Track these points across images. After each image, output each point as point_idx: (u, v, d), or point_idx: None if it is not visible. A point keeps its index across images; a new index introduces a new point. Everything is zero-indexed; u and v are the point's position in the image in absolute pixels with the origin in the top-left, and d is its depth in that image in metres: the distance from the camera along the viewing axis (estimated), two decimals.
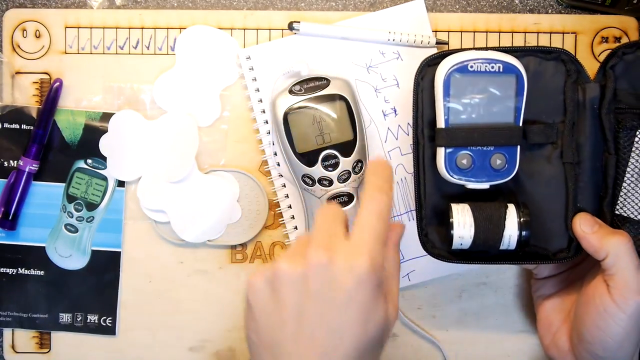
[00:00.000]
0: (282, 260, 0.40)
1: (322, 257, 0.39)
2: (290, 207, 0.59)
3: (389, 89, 0.59)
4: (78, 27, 0.60)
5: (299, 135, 0.55)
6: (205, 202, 0.59)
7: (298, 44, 0.59)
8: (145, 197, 0.59)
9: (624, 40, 0.59)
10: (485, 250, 0.48)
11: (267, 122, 0.58)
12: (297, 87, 0.55)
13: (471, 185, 0.49)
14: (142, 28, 0.60)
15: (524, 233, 0.47)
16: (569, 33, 0.59)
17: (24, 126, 0.59)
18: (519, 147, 0.48)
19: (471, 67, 0.47)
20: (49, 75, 0.60)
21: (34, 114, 0.59)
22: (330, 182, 0.55)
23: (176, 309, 0.60)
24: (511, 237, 0.47)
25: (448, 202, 0.49)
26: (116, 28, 0.59)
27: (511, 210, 0.48)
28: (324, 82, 0.55)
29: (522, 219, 0.47)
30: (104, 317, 0.60)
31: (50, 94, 0.58)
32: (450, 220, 0.48)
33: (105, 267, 0.60)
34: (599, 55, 0.59)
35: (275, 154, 0.58)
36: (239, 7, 0.61)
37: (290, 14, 0.59)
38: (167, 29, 0.60)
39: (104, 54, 0.60)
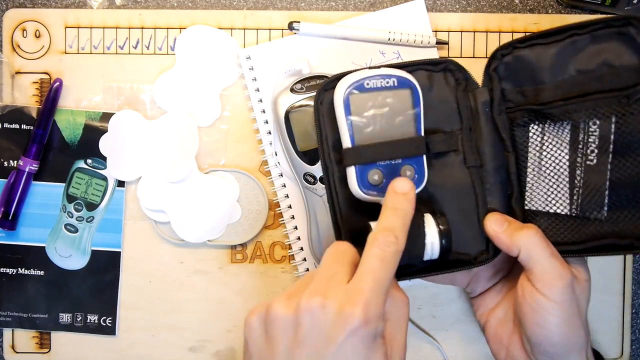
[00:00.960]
0: (277, 301, 0.39)
1: (314, 303, 0.38)
2: (290, 207, 0.59)
3: None
4: (78, 27, 0.60)
5: (301, 134, 0.55)
6: (205, 202, 0.59)
7: (298, 44, 0.59)
8: (145, 197, 0.59)
9: None
10: (411, 263, 0.47)
11: (267, 122, 0.58)
12: (299, 86, 0.55)
13: None
14: (142, 28, 0.60)
15: (444, 241, 0.47)
16: None
17: (24, 126, 0.59)
18: (424, 156, 0.48)
19: (367, 84, 0.47)
20: (49, 75, 0.60)
21: (34, 114, 0.59)
22: None
23: (176, 309, 0.60)
24: (433, 245, 0.47)
25: (366, 221, 0.47)
26: (116, 28, 0.59)
27: (429, 219, 0.47)
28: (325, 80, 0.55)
29: (441, 227, 0.47)
30: (104, 317, 0.60)
31: (50, 94, 0.58)
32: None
33: (105, 267, 0.60)
34: None
35: (276, 154, 0.58)
36: (239, 7, 0.61)
37: (290, 14, 0.59)
38: (167, 29, 0.60)
39: (104, 54, 0.60)
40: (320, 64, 0.58)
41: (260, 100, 0.58)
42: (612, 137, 0.46)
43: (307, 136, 0.55)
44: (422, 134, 0.48)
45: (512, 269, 0.53)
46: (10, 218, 0.59)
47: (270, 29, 0.59)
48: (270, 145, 0.58)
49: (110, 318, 0.60)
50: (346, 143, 0.47)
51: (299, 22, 0.58)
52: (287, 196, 0.59)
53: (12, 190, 0.58)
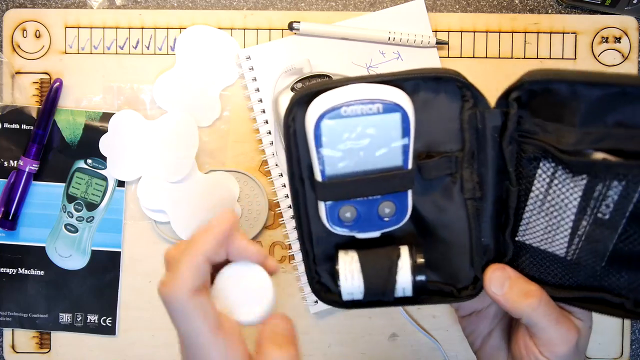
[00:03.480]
0: None
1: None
2: (290, 207, 0.59)
3: None
4: (78, 27, 0.60)
5: None
6: (205, 202, 0.59)
7: (298, 44, 0.59)
8: (145, 197, 0.59)
9: (624, 40, 0.59)
10: (383, 300, 0.43)
11: (267, 122, 0.58)
12: (300, 85, 0.55)
13: (360, 235, 0.43)
14: (142, 28, 0.60)
15: (417, 278, 0.42)
16: (569, 33, 0.59)
17: (24, 126, 0.59)
18: (410, 191, 0.42)
19: (345, 111, 0.39)
20: (49, 75, 0.60)
21: (34, 114, 0.59)
22: None
23: None
24: (405, 284, 0.42)
25: (337, 247, 0.44)
26: (116, 28, 0.60)
27: (404, 254, 0.42)
28: (325, 79, 0.55)
29: (416, 262, 0.42)
30: (104, 317, 0.60)
31: (50, 94, 0.58)
32: (337, 267, 0.42)
33: (105, 267, 0.60)
34: (599, 55, 0.59)
35: (276, 154, 0.58)
36: (239, 7, 0.61)
37: (290, 14, 0.59)
38: (167, 29, 0.60)
39: (104, 54, 0.60)
40: (321, 64, 0.58)
41: (260, 100, 0.58)
42: (633, 202, 0.39)
43: None
44: (410, 166, 0.41)
45: None
46: (10, 218, 0.59)
47: (270, 29, 0.59)
48: (271, 145, 0.58)
49: (110, 318, 0.60)
50: (317, 176, 0.40)
51: (299, 22, 0.58)
52: (287, 196, 0.59)
53: (12, 190, 0.58)
